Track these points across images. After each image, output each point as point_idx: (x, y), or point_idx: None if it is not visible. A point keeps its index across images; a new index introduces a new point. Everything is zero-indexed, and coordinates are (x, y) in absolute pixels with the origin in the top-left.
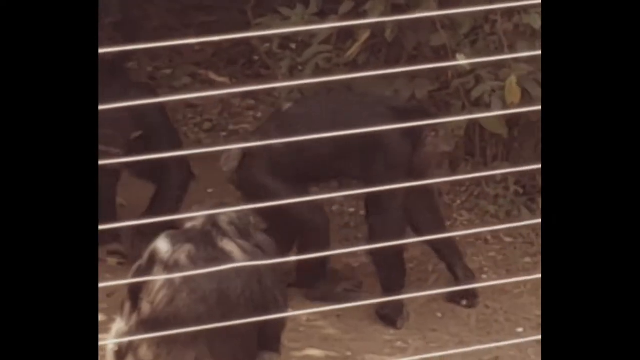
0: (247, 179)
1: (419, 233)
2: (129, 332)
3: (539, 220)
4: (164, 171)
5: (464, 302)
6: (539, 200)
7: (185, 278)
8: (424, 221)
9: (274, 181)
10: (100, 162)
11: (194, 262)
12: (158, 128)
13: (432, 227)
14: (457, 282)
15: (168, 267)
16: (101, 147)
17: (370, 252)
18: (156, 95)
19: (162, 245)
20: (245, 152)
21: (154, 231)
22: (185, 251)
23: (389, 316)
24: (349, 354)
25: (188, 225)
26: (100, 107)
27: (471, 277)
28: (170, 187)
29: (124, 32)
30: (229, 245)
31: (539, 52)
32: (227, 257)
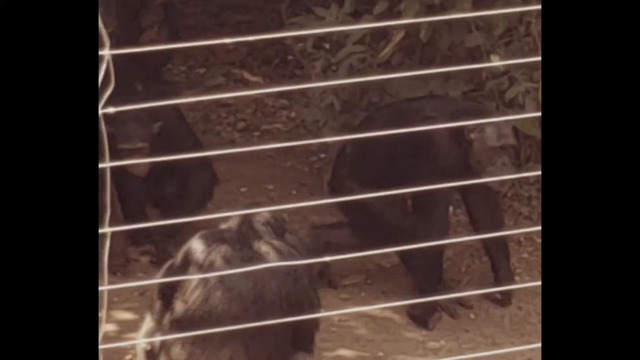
0: (339, 188)
1: (478, 231)
2: (161, 331)
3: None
4: (186, 173)
5: (499, 296)
6: None
7: (220, 277)
8: (483, 220)
9: (360, 188)
10: (111, 164)
11: (230, 263)
12: (175, 130)
13: (492, 226)
14: (496, 282)
15: (203, 268)
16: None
17: (406, 253)
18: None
19: (197, 245)
20: (335, 164)
21: (177, 232)
22: (220, 252)
23: (420, 317)
24: (380, 354)
25: (223, 225)
26: (102, 111)
27: (510, 279)
28: (192, 189)
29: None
30: (264, 246)
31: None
32: (262, 258)
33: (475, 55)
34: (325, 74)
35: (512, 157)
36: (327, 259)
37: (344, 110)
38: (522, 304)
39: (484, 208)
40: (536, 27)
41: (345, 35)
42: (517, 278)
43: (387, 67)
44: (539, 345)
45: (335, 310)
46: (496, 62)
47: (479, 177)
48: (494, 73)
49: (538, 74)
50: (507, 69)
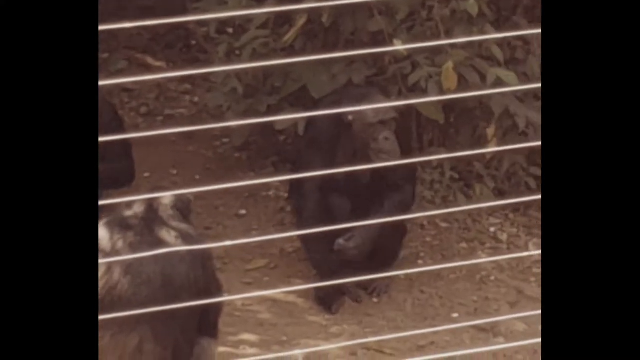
0: None
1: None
2: None
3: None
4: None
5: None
6: (475, 186)
7: (128, 262)
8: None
9: None
10: None
11: (136, 249)
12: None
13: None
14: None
15: (109, 255)
16: None
17: (306, 238)
18: None
19: (102, 233)
20: None
21: None
22: (126, 238)
23: (325, 300)
24: (284, 338)
25: (128, 212)
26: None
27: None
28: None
29: None
30: (171, 232)
31: (477, 38)
32: (169, 243)
33: (378, 39)
34: (228, 59)
35: (394, 129)
36: (227, 243)
37: (247, 95)
38: (424, 288)
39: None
40: (438, 12)
41: (249, 19)
42: (420, 262)
43: (290, 51)
44: (442, 328)
45: (239, 294)
46: (399, 47)
47: (366, 158)
48: (396, 57)
49: (440, 59)
50: (410, 53)
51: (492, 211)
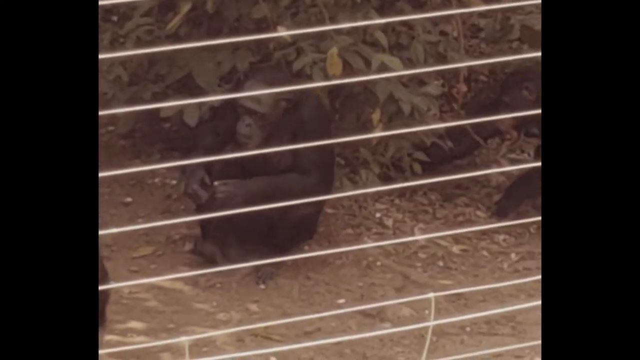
0: None
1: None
2: None
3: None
4: None
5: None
6: (362, 172)
7: None
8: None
9: None
10: None
11: None
12: None
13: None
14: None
15: None
16: None
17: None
18: None
19: None
20: None
21: None
22: None
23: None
24: (171, 326)
25: None
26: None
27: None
28: None
29: None
30: None
31: (361, 23)
32: None
33: (262, 26)
34: (112, 46)
35: (258, 121)
36: (113, 230)
37: (132, 82)
38: (311, 274)
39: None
40: None
41: (133, 7)
42: (306, 247)
43: (175, 38)
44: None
45: (125, 282)
46: (283, 33)
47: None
48: (281, 44)
49: (325, 45)
50: (294, 40)
51: (377, 197)
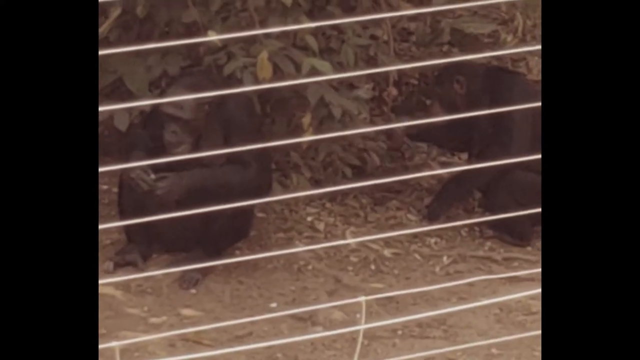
0: None
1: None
2: None
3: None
4: None
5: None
6: (293, 176)
7: None
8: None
9: None
10: None
11: None
12: None
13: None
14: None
15: None
16: None
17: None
18: None
19: None
20: None
21: None
22: None
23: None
24: (103, 331)
25: None
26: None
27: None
28: None
29: None
30: None
31: (291, 27)
32: None
33: (192, 30)
34: None
35: (183, 126)
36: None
37: None
38: (242, 278)
39: None
40: (253, 2)
41: None
42: (237, 252)
43: (105, 43)
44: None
45: None
46: (213, 37)
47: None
48: (211, 48)
49: (255, 49)
50: (225, 44)
51: (309, 200)
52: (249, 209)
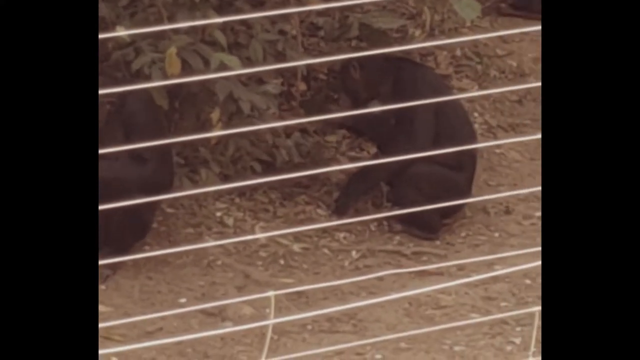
0: None
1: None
2: None
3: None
4: None
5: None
6: (202, 171)
7: None
8: None
9: None
10: None
11: None
12: None
13: None
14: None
15: None
16: None
17: None
18: None
19: None
20: None
21: None
22: None
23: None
24: None
25: None
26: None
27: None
28: None
29: None
30: None
31: (200, 22)
32: None
33: (100, 26)
34: None
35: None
36: None
37: None
38: (151, 274)
39: None
40: None
41: None
42: (146, 247)
43: None
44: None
45: None
46: (121, 32)
47: None
48: (120, 44)
49: (163, 44)
50: (133, 40)
51: (218, 196)
52: (150, 205)
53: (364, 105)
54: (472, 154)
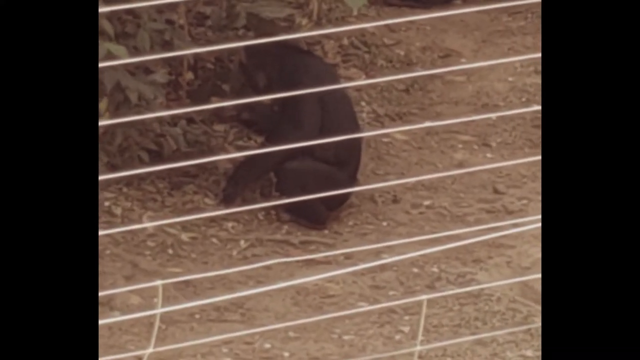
0: None
1: None
2: None
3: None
4: None
5: None
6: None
7: None
8: None
9: None
10: None
11: None
12: None
13: None
14: None
15: None
16: None
17: None
18: None
19: None
20: None
21: None
22: None
23: None
24: None
25: None
26: None
27: None
28: None
29: None
30: None
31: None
32: None
33: None
34: None
35: None
36: None
37: None
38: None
39: None
40: None
41: None
42: None
43: None
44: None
45: None
46: None
47: None
48: None
49: None
50: None
51: (105, 185)
52: None
53: (251, 95)
54: (356, 147)
